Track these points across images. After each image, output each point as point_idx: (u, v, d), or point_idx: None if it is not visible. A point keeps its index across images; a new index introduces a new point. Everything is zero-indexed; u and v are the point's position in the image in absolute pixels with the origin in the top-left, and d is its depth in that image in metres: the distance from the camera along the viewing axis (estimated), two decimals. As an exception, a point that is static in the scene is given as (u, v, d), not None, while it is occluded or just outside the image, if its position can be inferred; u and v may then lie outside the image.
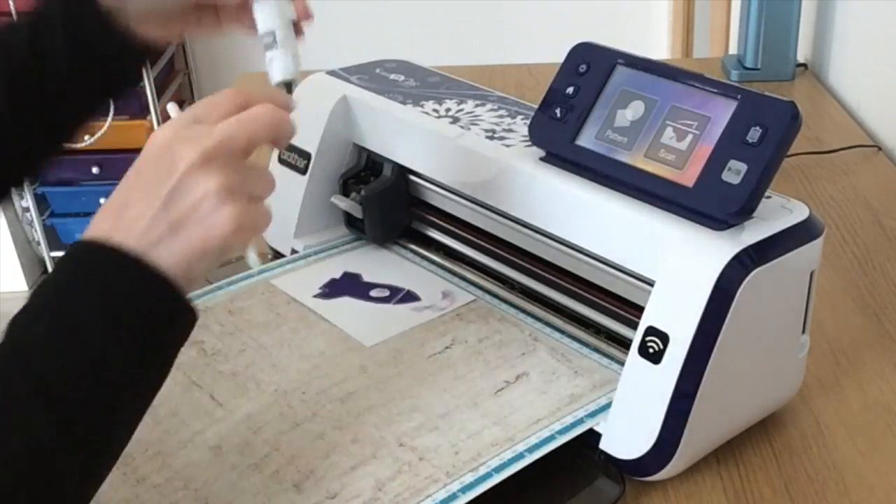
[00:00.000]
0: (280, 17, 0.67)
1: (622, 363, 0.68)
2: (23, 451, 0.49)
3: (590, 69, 0.74)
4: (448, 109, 0.87)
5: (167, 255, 0.54)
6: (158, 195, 0.54)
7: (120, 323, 0.52)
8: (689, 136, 0.68)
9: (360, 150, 0.91)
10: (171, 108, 0.60)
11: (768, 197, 0.69)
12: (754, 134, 0.65)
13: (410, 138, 0.85)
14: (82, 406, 0.51)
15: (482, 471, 0.64)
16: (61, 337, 0.51)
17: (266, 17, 0.67)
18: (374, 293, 0.85)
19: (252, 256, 0.61)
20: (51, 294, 0.53)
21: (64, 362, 0.50)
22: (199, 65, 2.71)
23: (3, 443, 0.48)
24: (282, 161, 0.93)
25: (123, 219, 0.55)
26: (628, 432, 0.67)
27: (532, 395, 0.71)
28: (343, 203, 0.90)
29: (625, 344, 0.73)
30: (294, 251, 0.92)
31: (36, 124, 0.74)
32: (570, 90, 0.74)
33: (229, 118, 0.55)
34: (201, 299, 0.84)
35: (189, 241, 0.54)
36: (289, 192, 0.92)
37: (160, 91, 2.49)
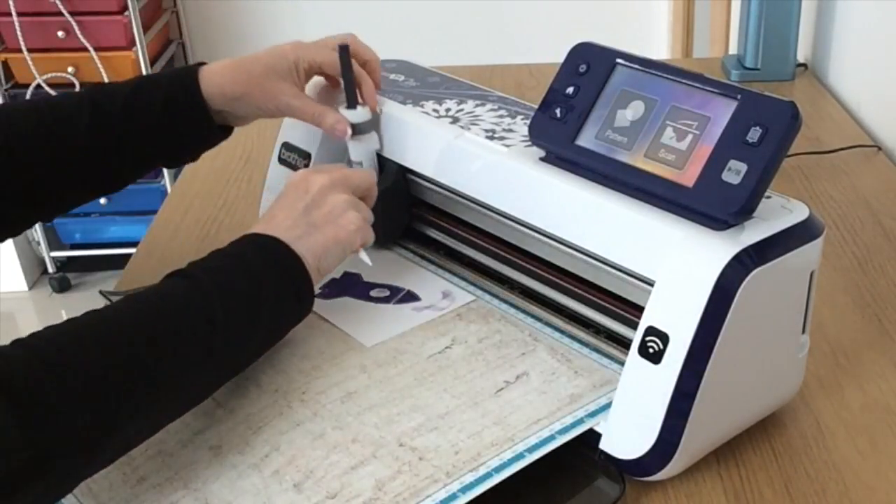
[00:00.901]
0: (367, 153, 0.87)
1: (622, 363, 0.68)
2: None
3: (590, 69, 0.74)
4: (448, 109, 0.87)
5: (305, 248, 0.71)
6: (298, 207, 0.73)
7: (262, 280, 0.68)
8: (689, 136, 0.68)
9: (360, 150, 0.91)
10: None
11: (768, 197, 0.69)
12: (754, 134, 0.65)
13: (410, 138, 0.85)
14: (218, 330, 0.65)
15: (482, 471, 0.64)
16: (226, 275, 0.68)
17: (357, 151, 0.86)
18: (374, 293, 0.85)
19: (364, 254, 0.78)
20: (222, 253, 0.70)
21: (213, 295, 0.66)
22: (199, 65, 2.71)
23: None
24: (282, 161, 0.93)
25: (271, 224, 0.72)
26: (628, 432, 0.67)
27: (532, 395, 0.71)
28: None
29: (625, 344, 0.73)
30: (294, 251, 0.92)
31: (94, 171, 0.84)
32: (570, 90, 0.74)
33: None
34: (201, 299, 0.84)
35: (323, 236, 0.73)
36: (289, 192, 0.92)
37: (160, 91, 2.49)
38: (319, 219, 0.73)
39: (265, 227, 0.72)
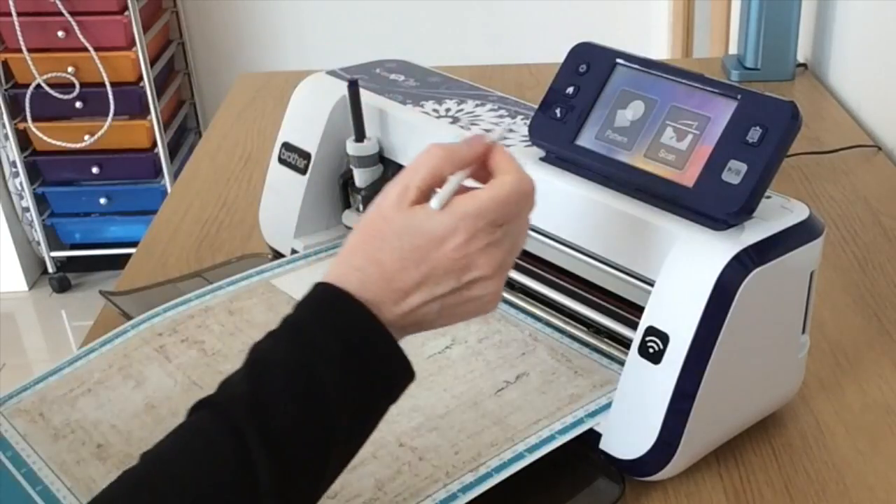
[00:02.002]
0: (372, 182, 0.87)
1: (622, 363, 0.68)
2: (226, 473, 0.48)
3: (590, 69, 0.74)
4: (448, 109, 0.87)
5: (419, 330, 0.56)
6: (442, 288, 0.54)
7: (354, 378, 0.52)
8: (689, 136, 0.68)
9: (360, 150, 0.91)
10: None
11: (768, 197, 0.69)
12: (754, 134, 0.65)
13: (410, 138, 0.85)
14: (299, 448, 0.50)
15: (482, 471, 0.64)
16: (297, 377, 0.51)
17: (363, 179, 0.87)
18: (374, 293, 0.85)
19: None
20: (298, 330, 0.53)
21: (291, 405, 0.50)
22: (199, 65, 2.71)
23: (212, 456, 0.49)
24: (282, 161, 0.93)
25: (393, 289, 0.54)
26: (628, 432, 0.67)
27: (532, 395, 0.71)
28: (353, 220, 0.90)
29: (625, 344, 0.73)
30: (294, 251, 0.92)
31: None
32: (570, 90, 0.74)
33: (519, 224, 0.57)
34: (201, 299, 0.84)
35: (444, 323, 0.57)
36: (289, 192, 0.92)
37: (160, 91, 2.49)
38: (456, 306, 0.56)
39: (381, 291, 0.54)
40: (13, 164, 2.50)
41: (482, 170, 0.58)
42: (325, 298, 0.54)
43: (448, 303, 0.55)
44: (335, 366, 0.51)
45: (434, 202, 0.55)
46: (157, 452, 0.50)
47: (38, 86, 2.36)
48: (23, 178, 2.47)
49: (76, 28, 2.31)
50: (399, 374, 0.55)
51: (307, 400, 0.50)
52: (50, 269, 2.63)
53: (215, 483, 0.48)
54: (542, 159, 0.76)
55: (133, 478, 0.50)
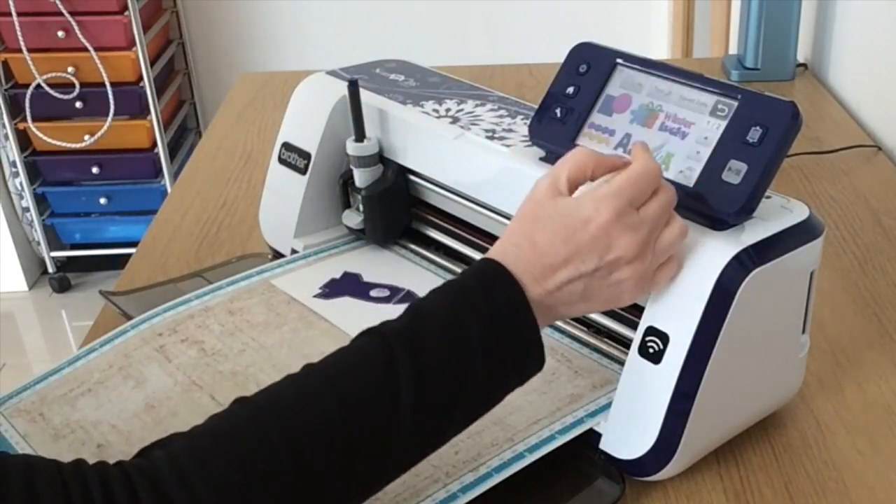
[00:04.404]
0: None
1: (622, 363, 0.68)
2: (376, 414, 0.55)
3: (590, 69, 0.74)
4: (448, 109, 0.87)
5: (563, 313, 0.63)
6: (586, 265, 0.60)
7: (495, 342, 0.58)
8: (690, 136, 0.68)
9: (360, 150, 0.91)
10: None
11: (768, 197, 0.69)
12: (754, 134, 0.65)
13: (410, 138, 0.85)
14: (438, 383, 0.56)
15: (482, 471, 0.64)
16: (450, 346, 0.57)
17: (364, 179, 0.87)
18: (374, 293, 0.85)
19: None
20: (460, 289, 0.60)
21: (442, 346, 0.57)
22: (199, 65, 2.72)
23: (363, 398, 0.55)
24: (282, 161, 0.93)
25: (544, 264, 0.60)
26: (628, 432, 0.67)
27: (532, 395, 0.71)
28: (352, 220, 0.90)
29: (625, 344, 0.73)
30: (294, 251, 0.92)
31: None
32: (571, 90, 0.74)
33: (654, 209, 0.62)
34: (201, 299, 0.84)
35: (584, 308, 0.63)
36: (289, 192, 0.92)
37: (160, 91, 2.49)
38: (598, 292, 0.62)
39: (532, 268, 0.60)
40: (13, 164, 2.50)
41: None
42: (488, 269, 0.61)
43: (590, 284, 0.61)
44: (482, 325, 0.58)
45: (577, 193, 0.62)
46: (319, 362, 0.57)
47: (38, 86, 2.36)
48: (23, 178, 2.47)
49: (76, 28, 2.31)
50: (533, 355, 0.61)
51: (454, 345, 0.57)
52: (50, 269, 2.63)
53: (363, 388, 0.55)
54: (542, 159, 0.76)
55: (291, 377, 0.56)
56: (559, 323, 0.79)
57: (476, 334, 0.58)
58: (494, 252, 0.62)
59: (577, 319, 0.79)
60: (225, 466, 0.50)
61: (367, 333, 0.58)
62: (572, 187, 0.63)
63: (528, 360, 0.61)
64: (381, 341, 0.57)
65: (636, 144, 0.64)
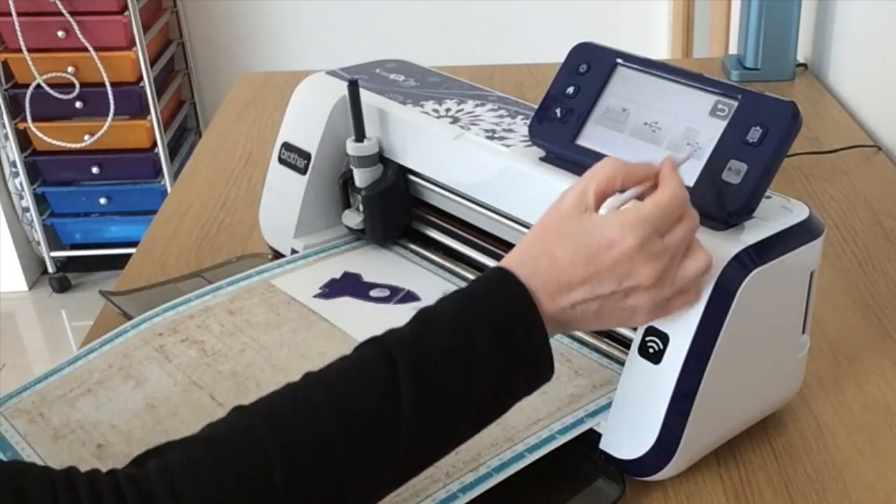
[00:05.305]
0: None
1: (622, 363, 0.68)
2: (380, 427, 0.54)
3: (590, 69, 0.74)
4: (448, 109, 0.87)
5: (573, 329, 0.63)
6: (603, 288, 0.59)
7: (502, 354, 0.57)
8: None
9: (360, 150, 0.91)
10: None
11: (768, 197, 0.69)
12: (754, 134, 0.65)
13: (410, 138, 0.85)
14: (441, 394, 0.55)
15: (482, 471, 0.64)
16: (455, 354, 0.56)
17: (364, 179, 0.87)
18: (374, 293, 0.85)
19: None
20: (468, 297, 0.59)
21: (445, 355, 0.56)
22: (199, 65, 2.72)
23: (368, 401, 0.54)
24: (282, 161, 0.93)
25: (560, 282, 0.59)
26: (628, 432, 0.67)
27: (532, 395, 0.71)
28: (352, 220, 0.90)
29: (625, 344, 0.73)
30: (294, 251, 0.92)
31: None
32: (571, 90, 0.74)
33: (677, 236, 0.60)
34: (201, 299, 0.84)
35: (594, 326, 0.63)
36: (289, 192, 0.92)
37: (160, 91, 2.49)
38: (612, 312, 0.61)
39: (548, 282, 0.59)
40: (13, 164, 2.50)
41: (654, 189, 0.62)
42: (499, 277, 0.60)
43: (605, 306, 0.60)
44: (490, 335, 0.57)
45: (603, 209, 0.61)
46: (319, 371, 0.56)
47: (38, 86, 2.36)
48: (23, 178, 2.47)
49: (76, 28, 2.31)
50: (542, 367, 0.59)
51: (460, 355, 0.56)
52: (50, 269, 2.63)
53: (362, 400, 0.54)
54: (542, 159, 0.76)
55: (291, 386, 0.55)
56: (559, 323, 0.79)
57: (484, 344, 0.56)
58: (510, 261, 0.61)
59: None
60: (217, 479, 0.50)
61: (370, 342, 0.57)
62: (599, 200, 0.61)
63: (536, 373, 0.60)
64: (382, 351, 0.56)
65: (665, 163, 0.62)
